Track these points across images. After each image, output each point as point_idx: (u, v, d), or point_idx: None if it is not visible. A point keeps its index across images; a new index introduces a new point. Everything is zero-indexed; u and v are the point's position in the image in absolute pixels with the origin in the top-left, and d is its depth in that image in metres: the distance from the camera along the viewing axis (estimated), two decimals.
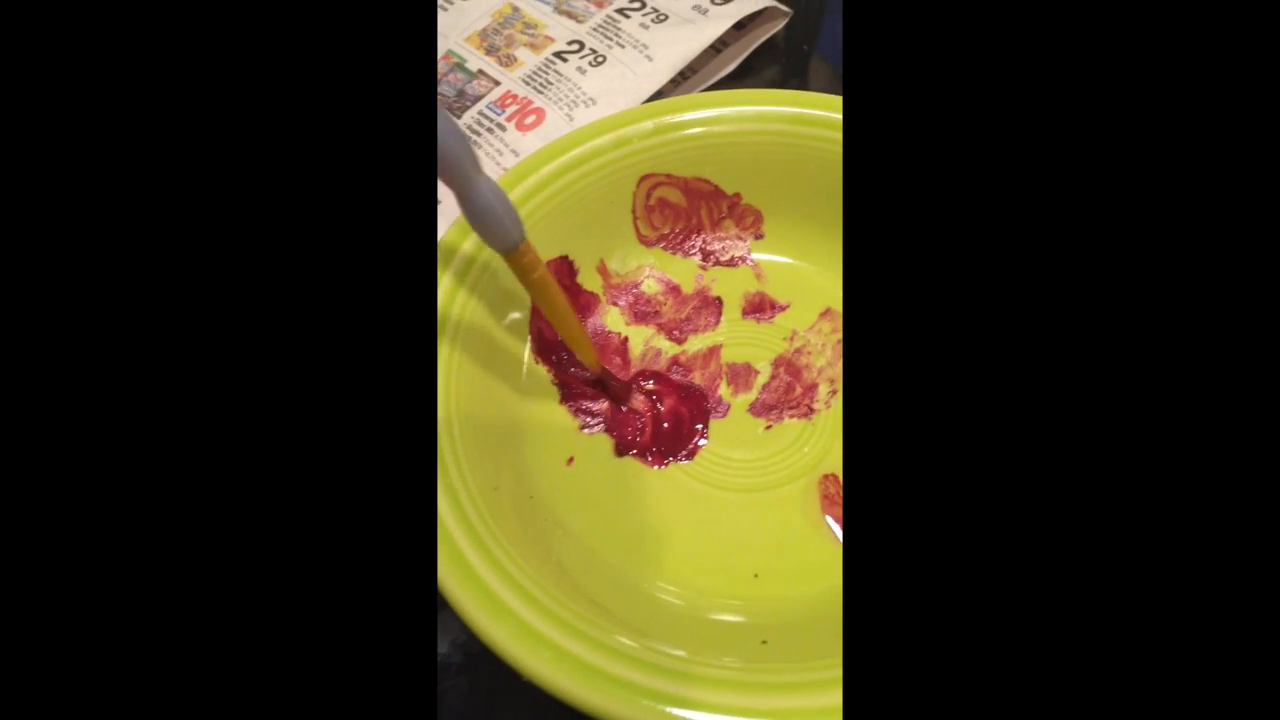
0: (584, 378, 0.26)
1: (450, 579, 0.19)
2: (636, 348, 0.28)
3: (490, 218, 0.19)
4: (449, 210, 0.31)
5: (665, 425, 0.26)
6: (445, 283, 0.24)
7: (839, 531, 0.24)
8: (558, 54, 0.35)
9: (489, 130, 0.33)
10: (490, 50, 0.36)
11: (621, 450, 0.25)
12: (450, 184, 0.19)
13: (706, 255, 0.30)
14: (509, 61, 0.35)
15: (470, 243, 0.25)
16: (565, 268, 0.27)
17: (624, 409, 0.26)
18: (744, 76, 0.37)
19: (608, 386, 0.26)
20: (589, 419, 0.26)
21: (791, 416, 0.26)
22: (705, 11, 0.36)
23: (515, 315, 0.26)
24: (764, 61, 0.38)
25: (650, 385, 0.27)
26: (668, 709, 0.17)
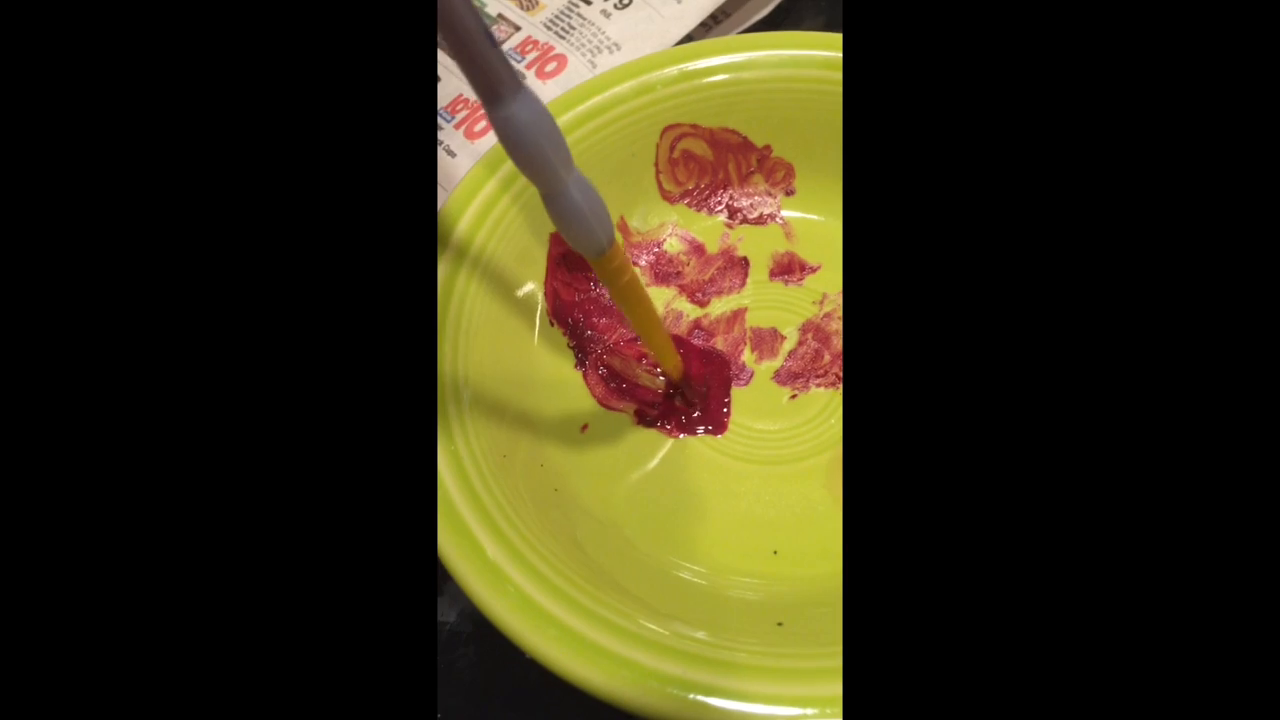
0: (652, 385, 0.25)
1: (451, 548, 0.18)
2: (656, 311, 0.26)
3: (578, 223, 0.18)
4: (449, 168, 0.29)
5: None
6: (457, 233, 0.23)
7: None
8: None
9: None
10: None
11: (639, 419, 0.24)
12: (536, 182, 0.17)
13: (733, 212, 0.28)
14: (530, 5, 0.33)
15: (489, 190, 0.24)
16: None
17: (690, 409, 0.24)
18: (778, 25, 0.35)
19: (686, 395, 0.24)
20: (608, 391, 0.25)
21: (819, 386, 0.24)
22: None
23: (529, 287, 0.25)
24: (799, 9, 0.36)
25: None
26: (683, 694, 0.16)
